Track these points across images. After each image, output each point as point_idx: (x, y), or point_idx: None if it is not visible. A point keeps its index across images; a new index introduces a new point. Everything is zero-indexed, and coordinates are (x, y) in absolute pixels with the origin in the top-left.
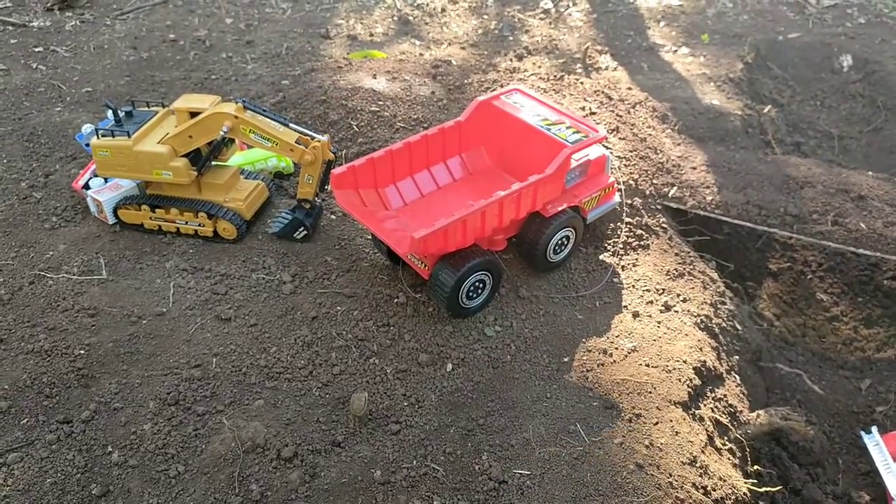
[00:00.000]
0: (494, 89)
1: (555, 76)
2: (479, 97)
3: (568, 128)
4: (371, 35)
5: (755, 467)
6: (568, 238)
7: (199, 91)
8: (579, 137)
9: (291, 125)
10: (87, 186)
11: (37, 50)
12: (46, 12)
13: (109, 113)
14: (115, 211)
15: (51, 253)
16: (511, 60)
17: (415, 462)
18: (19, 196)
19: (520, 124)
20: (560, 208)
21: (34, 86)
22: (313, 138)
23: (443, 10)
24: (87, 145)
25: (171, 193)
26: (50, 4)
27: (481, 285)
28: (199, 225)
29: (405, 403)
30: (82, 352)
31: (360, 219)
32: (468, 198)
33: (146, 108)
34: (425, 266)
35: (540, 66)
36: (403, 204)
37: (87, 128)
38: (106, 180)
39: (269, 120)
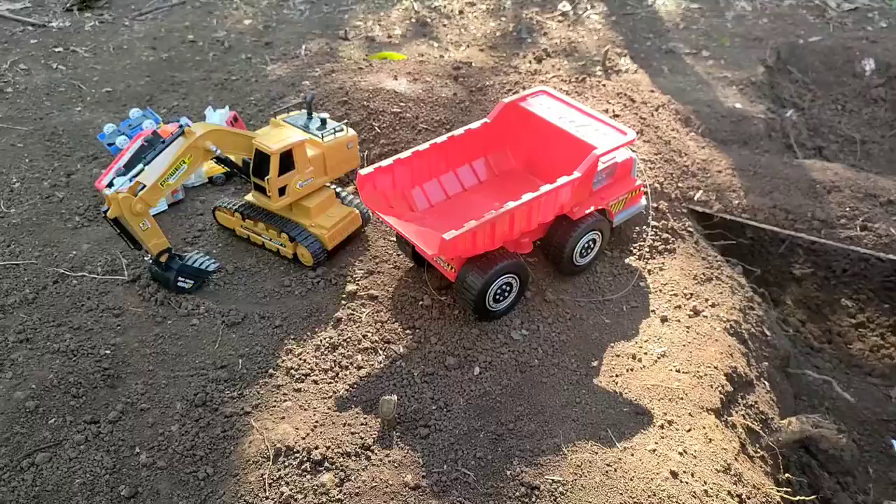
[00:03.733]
0: (517, 91)
1: (576, 78)
2: (506, 99)
3: (596, 130)
4: (389, 37)
5: (786, 475)
6: (594, 241)
7: (219, 92)
8: (608, 140)
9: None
10: (110, 185)
11: (57, 50)
12: (66, 13)
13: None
14: (213, 210)
15: (74, 252)
16: (530, 62)
17: (445, 466)
18: (42, 195)
19: (547, 126)
20: (587, 211)
21: (54, 85)
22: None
23: (460, 12)
24: (110, 145)
25: (265, 207)
26: (69, 5)
27: (508, 288)
28: (282, 245)
29: (433, 407)
30: (108, 352)
31: (387, 220)
32: (494, 200)
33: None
34: (452, 268)
35: (559, 69)
36: (429, 206)
37: (108, 127)
38: (130, 179)
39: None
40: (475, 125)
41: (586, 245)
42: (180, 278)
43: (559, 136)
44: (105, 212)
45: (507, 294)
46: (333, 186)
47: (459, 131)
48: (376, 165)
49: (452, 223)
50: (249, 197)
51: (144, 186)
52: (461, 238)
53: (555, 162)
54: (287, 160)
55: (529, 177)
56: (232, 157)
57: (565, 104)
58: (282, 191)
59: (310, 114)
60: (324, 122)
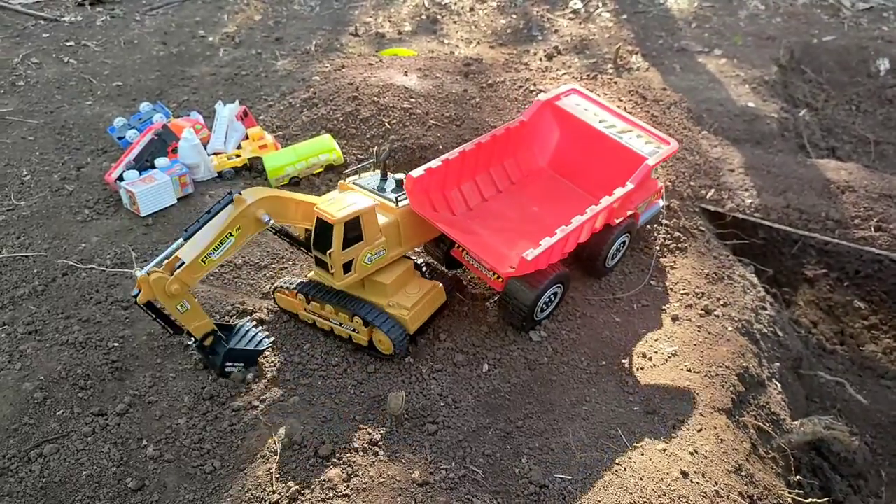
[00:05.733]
0: (528, 88)
1: (588, 75)
2: (541, 97)
3: (639, 136)
4: (399, 33)
5: (797, 477)
6: (624, 243)
7: (229, 87)
8: (653, 149)
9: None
10: (120, 178)
11: (68, 44)
12: (77, 7)
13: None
14: (274, 292)
15: (83, 245)
16: (541, 60)
17: (453, 463)
18: (52, 188)
19: (587, 129)
20: (625, 216)
21: (65, 79)
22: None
23: (471, 9)
24: (120, 138)
25: (330, 285)
26: None
27: (554, 297)
28: (354, 330)
29: (442, 404)
30: (116, 344)
31: (444, 229)
32: (530, 203)
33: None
34: (500, 279)
35: (570, 66)
36: (467, 208)
37: (119, 121)
38: (140, 172)
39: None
40: (513, 123)
41: (617, 248)
42: (228, 363)
43: (602, 141)
44: (135, 296)
45: (550, 303)
46: (414, 259)
47: (500, 130)
48: (426, 166)
49: (501, 230)
50: (313, 274)
51: (183, 263)
52: (540, 255)
53: (594, 166)
54: (354, 230)
55: (557, 177)
56: (291, 228)
57: (599, 105)
58: (347, 266)
59: (384, 174)
60: (399, 183)
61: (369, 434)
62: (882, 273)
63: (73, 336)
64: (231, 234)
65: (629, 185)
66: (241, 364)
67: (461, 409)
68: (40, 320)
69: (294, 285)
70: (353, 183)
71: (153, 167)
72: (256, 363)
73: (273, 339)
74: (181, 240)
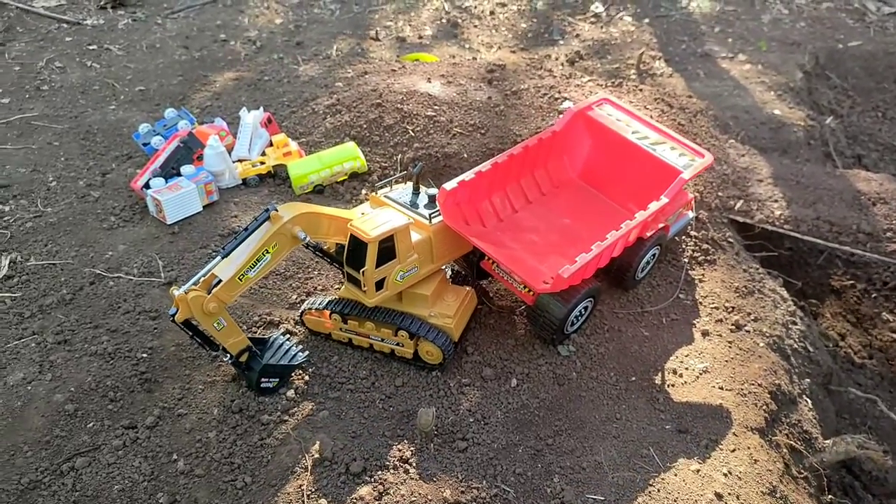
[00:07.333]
0: (553, 96)
1: (612, 83)
2: (573, 107)
3: (673, 149)
4: (420, 38)
5: (829, 497)
6: (654, 255)
7: (252, 92)
8: (687, 161)
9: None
10: (146, 185)
11: (91, 48)
12: (100, 10)
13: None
14: (301, 315)
15: (110, 253)
16: (563, 65)
17: (484, 482)
18: (78, 195)
19: (620, 140)
20: (657, 228)
21: (89, 84)
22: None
23: (491, 12)
24: (145, 145)
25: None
26: (103, 3)
27: (584, 311)
28: (398, 344)
29: (471, 419)
30: (145, 355)
31: (483, 246)
32: (561, 215)
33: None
34: (531, 292)
35: (593, 72)
36: (498, 220)
37: (143, 127)
38: (166, 179)
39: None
40: (545, 133)
41: (648, 260)
42: (263, 379)
43: (634, 153)
44: (173, 315)
45: (581, 316)
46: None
47: (532, 140)
48: (459, 179)
49: (532, 242)
50: (343, 291)
51: (220, 281)
52: (575, 271)
53: (626, 178)
54: (388, 248)
55: (589, 189)
56: (324, 244)
57: (632, 115)
58: (379, 284)
59: (416, 189)
60: (432, 198)
61: (400, 451)
62: None
63: (102, 346)
64: (268, 251)
65: (664, 200)
66: (277, 380)
67: (490, 426)
68: (69, 330)
69: (323, 305)
70: (385, 196)
71: (179, 174)
72: (292, 377)
73: (308, 353)
74: (218, 258)
